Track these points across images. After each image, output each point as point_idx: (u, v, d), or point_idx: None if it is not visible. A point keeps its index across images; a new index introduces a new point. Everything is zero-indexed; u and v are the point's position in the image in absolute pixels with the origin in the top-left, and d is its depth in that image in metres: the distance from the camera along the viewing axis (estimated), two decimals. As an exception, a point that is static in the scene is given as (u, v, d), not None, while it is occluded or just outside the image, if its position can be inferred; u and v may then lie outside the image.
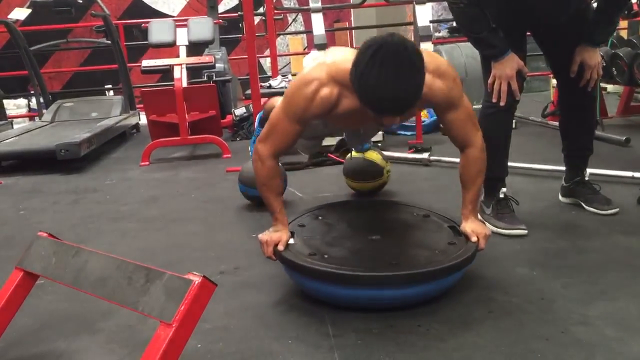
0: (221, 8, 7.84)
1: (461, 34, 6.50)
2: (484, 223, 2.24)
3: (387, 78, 1.59)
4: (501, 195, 2.49)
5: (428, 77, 1.74)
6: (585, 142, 2.60)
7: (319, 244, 1.96)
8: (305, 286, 1.90)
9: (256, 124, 3.11)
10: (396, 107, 1.68)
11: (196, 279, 1.27)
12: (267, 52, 6.50)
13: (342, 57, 1.83)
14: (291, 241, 1.94)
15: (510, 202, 2.49)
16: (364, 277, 1.74)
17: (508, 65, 2.31)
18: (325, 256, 1.86)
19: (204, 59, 5.00)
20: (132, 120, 5.97)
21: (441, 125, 2.07)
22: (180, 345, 1.26)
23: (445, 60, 1.96)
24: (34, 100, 6.62)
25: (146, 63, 4.82)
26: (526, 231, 2.36)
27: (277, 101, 2.74)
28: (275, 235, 1.94)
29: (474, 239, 1.93)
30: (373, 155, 3.02)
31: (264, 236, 1.96)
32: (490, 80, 2.37)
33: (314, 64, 1.92)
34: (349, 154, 3.10)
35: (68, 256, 1.57)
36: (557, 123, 2.60)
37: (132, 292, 1.35)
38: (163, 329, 1.25)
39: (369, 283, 1.74)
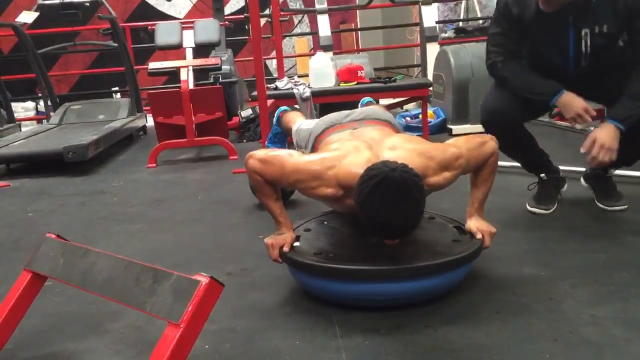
0: (227, 10, 7.85)
1: (467, 35, 6.50)
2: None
3: (388, 211, 1.65)
4: (542, 176, 2.64)
5: (434, 178, 1.85)
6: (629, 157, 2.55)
7: (324, 245, 1.97)
8: (310, 286, 1.91)
9: (274, 122, 3.11)
10: (396, 235, 1.77)
11: (203, 279, 1.28)
12: (273, 54, 6.51)
13: (355, 162, 1.83)
14: (296, 244, 1.95)
15: (549, 184, 2.62)
16: (368, 271, 1.75)
17: (572, 103, 2.27)
18: (331, 255, 1.86)
19: (211, 60, 5.01)
20: (139, 123, 5.99)
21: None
22: (188, 345, 1.26)
23: (445, 148, 1.94)
24: (41, 103, 6.66)
25: (153, 65, 4.83)
26: (545, 212, 2.56)
27: (295, 119, 2.75)
28: (280, 237, 1.95)
29: (478, 236, 1.93)
30: None
31: (269, 240, 1.97)
32: (573, 124, 2.32)
33: (328, 154, 1.94)
34: None
35: (76, 257, 1.57)
36: (565, 123, 2.58)
37: (139, 292, 1.35)
38: (171, 330, 1.25)
39: (374, 277, 1.75)
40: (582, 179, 2.73)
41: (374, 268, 1.76)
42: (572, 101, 2.28)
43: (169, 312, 1.27)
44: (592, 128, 2.37)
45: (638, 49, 2.27)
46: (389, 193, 1.63)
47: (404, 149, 1.89)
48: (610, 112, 2.29)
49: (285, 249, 1.91)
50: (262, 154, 1.96)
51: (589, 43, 2.28)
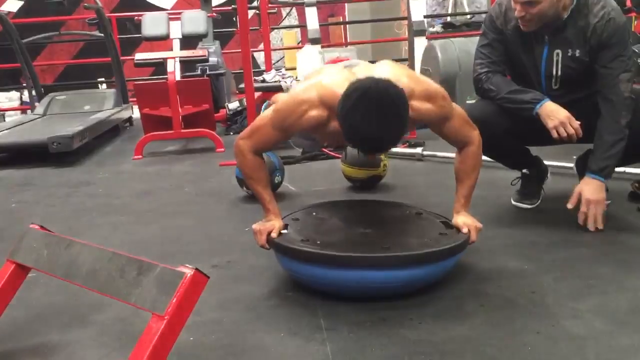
0: (215, 2, 7.81)
1: (455, 30, 6.51)
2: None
3: (370, 122, 1.66)
4: (524, 171, 2.65)
5: (417, 103, 1.84)
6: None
7: (311, 233, 1.97)
8: (296, 272, 1.91)
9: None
10: (377, 147, 1.82)
11: (188, 271, 1.27)
12: (261, 46, 6.48)
13: (336, 81, 1.85)
14: (284, 231, 1.95)
15: (532, 179, 2.64)
16: (355, 258, 1.76)
17: (556, 111, 2.24)
18: (318, 242, 1.87)
19: (198, 52, 4.99)
20: (125, 114, 5.95)
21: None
22: (172, 337, 1.26)
23: (431, 81, 1.99)
24: (26, 93, 6.59)
25: (139, 56, 4.80)
26: (530, 206, 2.61)
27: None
28: (268, 224, 1.96)
29: (465, 230, 1.94)
30: None
31: (257, 226, 1.97)
32: (554, 135, 2.26)
33: (309, 81, 1.98)
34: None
35: (60, 248, 1.56)
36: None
37: (124, 284, 1.35)
38: (155, 321, 1.25)
39: (361, 264, 1.75)
40: (574, 166, 2.74)
41: (361, 255, 1.77)
42: (554, 109, 2.25)
43: (154, 304, 1.27)
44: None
45: (603, 81, 2.25)
46: (372, 104, 1.64)
47: (391, 68, 1.91)
48: (589, 166, 2.30)
49: (273, 235, 1.91)
50: (246, 131, 2.02)
51: (560, 65, 2.30)
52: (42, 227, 1.68)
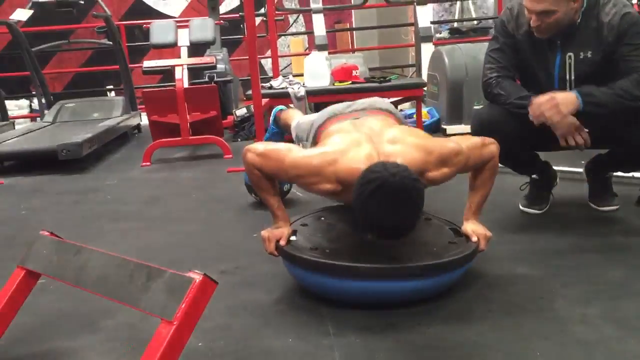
0: (223, 9, 7.85)
1: (462, 35, 6.52)
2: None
3: (386, 214, 1.67)
4: (533, 177, 2.66)
5: (433, 173, 1.85)
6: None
7: (320, 240, 1.97)
8: (305, 281, 1.91)
9: (271, 122, 3.11)
10: (394, 236, 1.78)
11: (197, 277, 1.28)
12: (268, 53, 6.50)
13: (355, 158, 1.83)
14: (293, 238, 1.95)
15: (541, 184, 2.64)
16: (364, 269, 1.75)
17: (566, 119, 2.19)
18: (327, 251, 1.87)
19: (205, 59, 5.01)
20: (134, 121, 5.98)
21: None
22: (181, 343, 1.26)
23: (441, 141, 1.98)
24: (35, 101, 6.63)
25: (147, 64, 4.83)
26: (538, 212, 2.59)
27: (293, 116, 2.75)
28: (277, 231, 1.96)
29: (474, 239, 1.93)
30: None
31: (265, 232, 1.98)
32: (563, 143, 2.25)
33: (325, 149, 1.94)
34: None
35: (69, 255, 1.58)
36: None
37: (133, 290, 1.36)
38: (164, 327, 1.26)
39: (369, 275, 1.75)
40: (583, 171, 2.73)
41: (370, 266, 1.77)
42: (564, 118, 2.23)
43: (163, 310, 1.28)
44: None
45: (625, 70, 2.22)
46: (388, 199, 1.64)
47: (403, 143, 1.89)
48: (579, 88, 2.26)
49: (282, 242, 1.92)
50: (261, 148, 1.96)
51: (572, 68, 2.29)
52: (52, 233, 1.70)
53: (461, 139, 2.00)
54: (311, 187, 1.90)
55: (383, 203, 1.65)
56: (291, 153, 1.92)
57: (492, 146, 2.00)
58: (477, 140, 1.99)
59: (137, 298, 1.34)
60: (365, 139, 1.92)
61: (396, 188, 1.64)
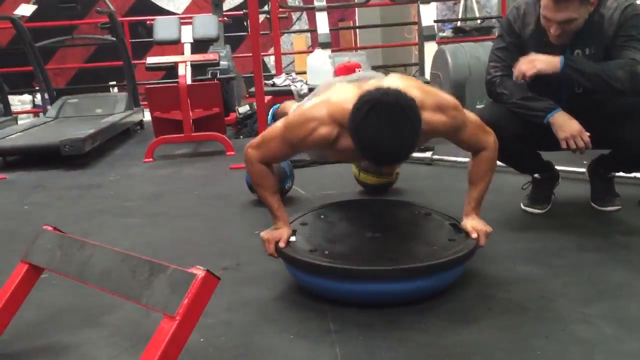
0: (226, 6, 7.85)
1: (465, 34, 6.51)
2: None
3: (383, 134, 1.64)
4: (535, 176, 2.65)
5: (428, 115, 1.81)
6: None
7: (320, 241, 1.98)
8: (305, 282, 1.92)
9: (269, 119, 3.13)
10: (391, 160, 1.78)
11: (200, 272, 1.29)
12: (271, 50, 6.50)
13: (345, 96, 1.83)
14: (292, 238, 1.96)
15: (543, 184, 2.64)
16: (363, 272, 1.76)
17: (568, 122, 2.22)
18: (326, 252, 1.87)
19: (209, 56, 5.01)
20: (137, 117, 5.99)
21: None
22: (183, 338, 1.27)
23: (442, 92, 1.98)
24: (38, 96, 6.64)
25: (151, 60, 4.84)
26: (540, 211, 2.60)
27: (291, 105, 2.77)
28: (277, 232, 1.96)
29: (474, 235, 1.94)
30: None
31: (265, 234, 1.98)
32: (564, 146, 2.25)
33: (318, 98, 1.98)
34: None
35: (73, 249, 1.59)
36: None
37: (136, 285, 1.37)
38: (166, 322, 1.26)
39: (369, 277, 1.76)
40: (586, 171, 2.73)
41: (367, 268, 1.77)
42: (566, 121, 2.23)
43: (165, 305, 1.29)
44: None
45: (618, 52, 2.21)
46: (383, 115, 1.63)
47: (401, 80, 1.89)
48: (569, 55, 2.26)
49: (281, 244, 1.92)
50: (256, 141, 2.01)
51: None
52: (55, 228, 1.70)
53: (467, 111, 2.00)
54: (311, 139, 1.86)
55: (378, 122, 1.63)
56: (282, 121, 1.95)
57: (490, 136, 2.01)
58: (478, 120, 1.99)
59: (139, 293, 1.35)
60: (355, 84, 1.93)
61: (390, 106, 1.63)
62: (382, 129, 1.63)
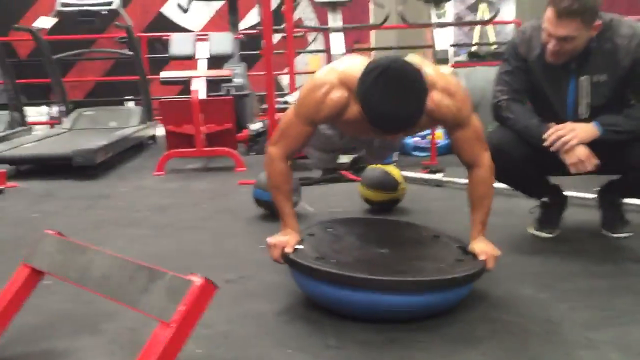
0: (244, 24, 7.92)
1: (480, 59, 6.52)
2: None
3: (389, 99, 1.69)
4: (544, 200, 2.63)
5: (437, 95, 1.84)
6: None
7: (327, 250, 1.96)
8: (309, 290, 1.90)
9: None
10: (397, 126, 1.79)
11: (197, 280, 1.28)
12: (286, 70, 6.53)
13: (354, 65, 1.87)
14: (299, 246, 1.94)
15: (552, 207, 2.61)
16: (370, 281, 1.73)
17: (576, 147, 2.19)
18: (332, 261, 1.86)
19: (222, 72, 5.05)
20: (150, 131, 6.03)
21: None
22: (177, 345, 1.25)
23: (458, 80, 1.99)
24: (55, 108, 6.72)
25: (164, 74, 4.88)
26: (549, 235, 2.57)
27: None
28: (284, 238, 1.95)
29: (482, 257, 1.91)
30: (392, 169, 3.09)
31: (272, 239, 1.97)
32: (572, 171, 2.23)
33: (327, 67, 2.01)
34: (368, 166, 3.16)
35: (74, 254, 1.58)
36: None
37: (133, 290, 1.36)
38: (161, 329, 1.25)
39: (375, 287, 1.73)
40: (596, 197, 2.69)
41: (375, 277, 1.74)
42: (574, 146, 2.21)
43: (161, 311, 1.27)
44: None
45: None
46: (390, 83, 1.67)
47: (418, 58, 1.90)
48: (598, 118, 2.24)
49: (288, 249, 1.90)
50: (274, 135, 2.03)
51: (587, 92, 2.26)
52: (58, 232, 1.70)
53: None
54: (324, 107, 1.89)
55: (386, 87, 1.67)
56: (294, 105, 1.97)
57: (486, 153, 2.00)
58: (481, 129, 1.99)
59: (136, 299, 1.34)
60: (364, 57, 1.96)
61: (398, 72, 1.68)
62: (388, 94, 1.68)
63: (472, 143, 1.97)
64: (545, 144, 2.22)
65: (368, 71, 1.72)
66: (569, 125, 2.22)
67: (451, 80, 1.94)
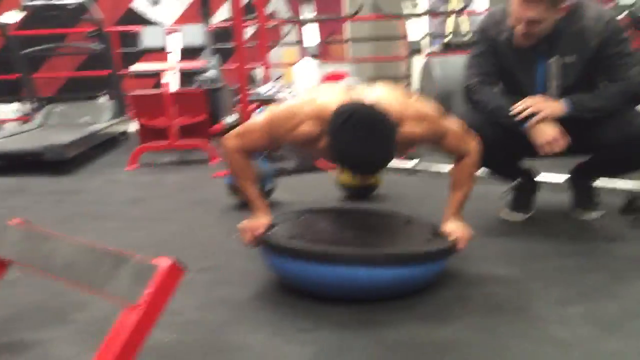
0: (218, 17, 7.83)
1: (455, 48, 6.53)
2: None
3: (355, 145, 1.71)
4: (517, 181, 2.64)
5: (408, 126, 1.88)
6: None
7: (299, 231, 1.96)
8: (282, 269, 1.88)
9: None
10: (365, 170, 1.88)
11: (164, 262, 1.25)
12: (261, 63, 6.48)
13: (331, 99, 1.86)
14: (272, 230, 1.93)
15: (525, 189, 2.62)
16: (343, 255, 1.73)
17: (543, 128, 2.19)
18: (307, 239, 1.86)
19: (193, 63, 5.00)
20: (122, 126, 5.95)
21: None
22: (145, 329, 1.22)
23: (424, 103, 2.02)
24: (26, 104, 6.59)
25: (135, 67, 4.81)
26: (521, 217, 2.59)
27: None
28: (255, 222, 1.95)
29: (452, 237, 1.91)
30: None
31: (243, 224, 1.96)
32: (542, 152, 2.23)
33: (305, 97, 2.04)
34: None
35: (39, 242, 1.54)
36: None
37: (99, 276, 1.32)
38: (128, 312, 1.22)
39: (348, 261, 1.73)
40: (568, 181, 2.71)
41: (350, 252, 1.75)
42: (543, 127, 2.21)
43: (128, 295, 1.24)
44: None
45: (613, 71, 2.23)
46: (357, 127, 1.69)
47: (385, 92, 1.95)
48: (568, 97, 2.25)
49: (259, 231, 1.90)
50: (237, 130, 2.02)
51: (557, 73, 2.27)
52: (22, 221, 1.66)
53: (448, 119, 2.01)
54: (292, 135, 1.90)
55: (353, 132, 1.69)
56: (267, 114, 1.98)
57: (472, 142, 2.01)
58: (461, 127, 2.00)
59: (102, 284, 1.31)
60: (342, 89, 1.98)
61: (365, 117, 1.70)
62: (355, 140, 1.70)
63: (456, 144, 1.99)
64: (513, 112, 2.23)
65: (337, 115, 1.73)
66: (538, 98, 2.24)
67: (418, 105, 1.98)
